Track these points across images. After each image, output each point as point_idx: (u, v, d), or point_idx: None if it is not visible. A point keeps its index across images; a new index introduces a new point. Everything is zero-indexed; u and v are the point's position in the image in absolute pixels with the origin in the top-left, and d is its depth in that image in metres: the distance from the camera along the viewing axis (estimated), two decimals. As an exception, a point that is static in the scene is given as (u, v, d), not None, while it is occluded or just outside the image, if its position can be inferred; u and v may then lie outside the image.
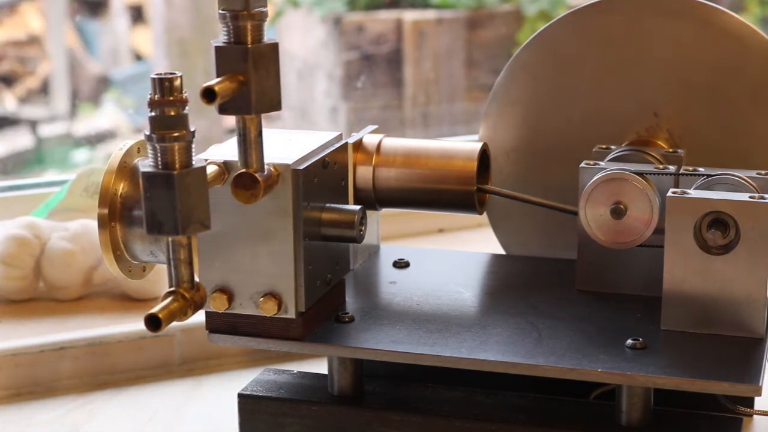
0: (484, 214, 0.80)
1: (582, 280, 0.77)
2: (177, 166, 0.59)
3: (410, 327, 0.72)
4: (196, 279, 0.62)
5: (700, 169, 0.74)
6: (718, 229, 0.69)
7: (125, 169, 0.69)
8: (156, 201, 0.59)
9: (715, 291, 0.70)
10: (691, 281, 0.70)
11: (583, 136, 0.81)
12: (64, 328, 0.90)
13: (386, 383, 0.75)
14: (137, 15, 3.47)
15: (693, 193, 0.70)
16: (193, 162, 0.60)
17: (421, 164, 0.77)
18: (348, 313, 0.73)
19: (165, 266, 0.63)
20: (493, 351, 0.69)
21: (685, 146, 0.79)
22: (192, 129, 0.60)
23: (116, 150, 0.71)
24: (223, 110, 0.62)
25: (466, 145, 0.77)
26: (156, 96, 0.59)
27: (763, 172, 0.73)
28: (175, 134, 0.59)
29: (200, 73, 2.77)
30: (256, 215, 0.68)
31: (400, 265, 0.82)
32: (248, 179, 0.64)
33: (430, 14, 3.07)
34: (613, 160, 0.77)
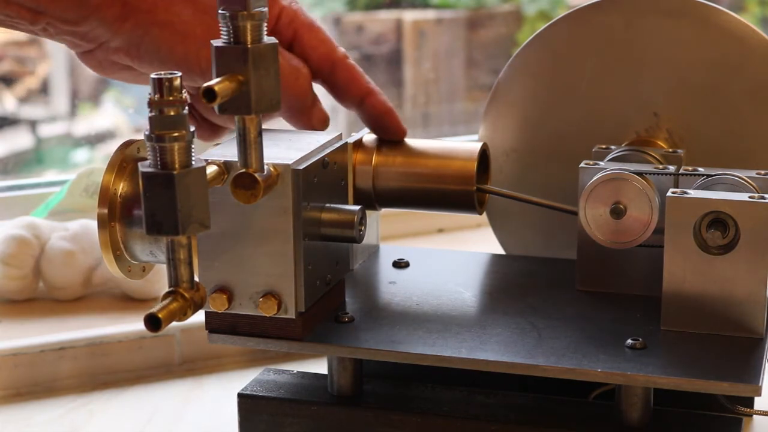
0: (484, 214, 0.80)
1: (582, 280, 0.77)
2: (177, 166, 0.59)
3: (410, 327, 0.72)
4: (196, 279, 0.62)
5: (700, 169, 0.74)
6: (718, 229, 0.69)
7: (125, 169, 0.69)
8: (155, 201, 0.59)
9: (715, 291, 0.70)
10: (691, 281, 0.70)
11: (582, 136, 0.81)
12: (63, 328, 0.90)
13: (386, 383, 0.75)
14: (137, 15, 3.45)
15: (693, 193, 0.70)
16: (193, 162, 0.60)
17: (420, 164, 0.77)
18: (348, 313, 0.73)
19: (165, 266, 0.63)
20: (493, 351, 0.69)
21: (685, 146, 0.79)
22: (192, 129, 0.60)
23: (116, 150, 0.71)
24: (223, 110, 0.62)
25: (466, 145, 0.77)
26: (155, 96, 0.59)
27: (763, 172, 0.73)
28: (175, 134, 0.59)
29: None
30: (256, 215, 0.68)
31: (400, 265, 0.82)
32: (248, 179, 0.64)
33: (430, 14, 3.07)
34: (612, 160, 0.77)
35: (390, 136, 0.78)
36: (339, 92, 0.77)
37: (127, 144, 0.70)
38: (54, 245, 0.96)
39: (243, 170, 0.64)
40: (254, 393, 0.75)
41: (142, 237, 0.69)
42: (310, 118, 0.76)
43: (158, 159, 0.59)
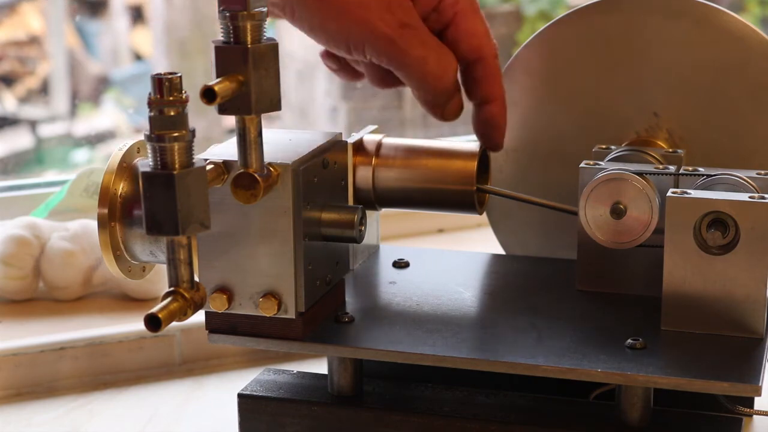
0: (484, 214, 0.80)
1: (582, 280, 0.77)
2: (177, 166, 0.59)
3: (410, 327, 0.72)
4: (196, 279, 0.62)
5: (700, 169, 0.74)
6: (718, 229, 0.69)
7: (125, 169, 0.69)
8: (155, 201, 0.59)
9: (715, 291, 0.70)
10: (691, 281, 0.70)
11: (583, 136, 0.81)
12: (64, 328, 0.90)
13: (386, 383, 0.75)
14: (137, 15, 3.47)
15: (693, 193, 0.70)
16: (193, 162, 0.60)
17: (420, 164, 0.77)
18: (348, 313, 0.73)
19: (165, 266, 0.63)
20: (493, 351, 0.69)
21: (685, 146, 0.79)
22: (192, 129, 0.60)
23: (116, 150, 0.71)
24: (223, 110, 0.62)
25: (466, 145, 0.77)
26: (156, 96, 0.59)
27: (763, 172, 0.73)
28: (175, 134, 0.59)
29: (200, 73, 2.76)
30: (256, 215, 0.68)
31: (400, 265, 0.82)
32: (248, 179, 0.64)
33: (430, 14, 3.05)
34: (612, 160, 0.77)
35: (488, 147, 0.77)
36: (470, 83, 0.76)
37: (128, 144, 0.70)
38: (54, 245, 0.96)
39: (243, 170, 0.64)
40: (254, 393, 0.75)
41: (142, 237, 0.69)
42: (444, 110, 0.75)
43: (158, 159, 0.59)
